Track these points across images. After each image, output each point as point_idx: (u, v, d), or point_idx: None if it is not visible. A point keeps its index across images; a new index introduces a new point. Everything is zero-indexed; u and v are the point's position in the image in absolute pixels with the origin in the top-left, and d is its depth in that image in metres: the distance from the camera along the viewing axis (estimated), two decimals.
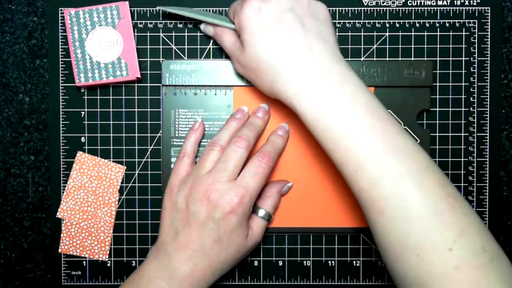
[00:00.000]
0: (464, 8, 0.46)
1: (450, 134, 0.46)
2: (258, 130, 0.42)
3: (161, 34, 0.46)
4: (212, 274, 0.39)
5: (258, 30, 0.37)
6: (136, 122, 0.46)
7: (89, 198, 0.46)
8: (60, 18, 0.46)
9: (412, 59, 0.46)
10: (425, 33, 0.46)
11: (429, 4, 0.46)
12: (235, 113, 0.43)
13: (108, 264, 0.46)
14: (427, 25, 0.46)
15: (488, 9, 0.46)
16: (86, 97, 0.46)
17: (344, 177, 0.36)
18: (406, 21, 0.46)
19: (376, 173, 0.33)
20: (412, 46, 0.46)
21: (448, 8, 0.46)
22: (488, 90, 0.46)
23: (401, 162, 0.33)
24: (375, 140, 0.34)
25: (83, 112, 0.46)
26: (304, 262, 0.47)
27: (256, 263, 0.47)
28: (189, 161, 0.42)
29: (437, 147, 0.46)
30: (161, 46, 0.46)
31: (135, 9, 0.46)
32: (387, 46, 0.46)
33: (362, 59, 0.46)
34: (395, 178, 0.33)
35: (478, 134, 0.46)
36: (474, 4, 0.46)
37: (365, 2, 0.46)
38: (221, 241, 0.38)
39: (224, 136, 0.41)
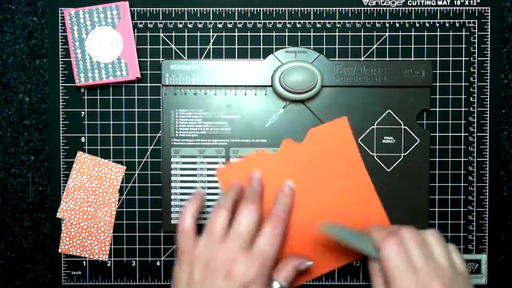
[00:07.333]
0: (464, 8, 0.46)
1: (450, 134, 0.46)
2: (260, 194, 0.42)
3: (161, 34, 0.46)
4: None
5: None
6: (136, 122, 0.46)
7: (89, 198, 0.46)
8: (60, 18, 0.46)
9: (412, 59, 0.46)
10: (425, 33, 0.46)
11: (429, 4, 0.46)
12: (232, 185, 0.43)
13: (108, 264, 0.46)
14: (427, 25, 0.46)
15: (488, 9, 0.46)
16: (86, 97, 0.46)
17: None
18: (406, 21, 0.46)
19: None
20: (412, 46, 0.46)
21: (448, 8, 0.46)
22: (488, 90, 0.46)
23: None
24: None
25: (83, 112, 0.46)
26: None
27: None
28: (190, 234, 0.40)
29: (437, 147, 0.46)
30: (161, 46, 0.46)
31: (135, 9, 0.46)
32: (387, 46, 0.46)
33: (362, 59, 0.46)
34: None
35: (478, 134, 0.46)
36: (474, 4, 0.46)
37: (365, 2, 0.46)
38: None
39: (228, 200, 0.41)
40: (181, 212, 0.41)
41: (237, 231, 0.38)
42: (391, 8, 0.46)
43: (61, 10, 0.46)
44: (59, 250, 0.46)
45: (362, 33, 0.46)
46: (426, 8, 0.46)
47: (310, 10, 0.46)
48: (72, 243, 0.46)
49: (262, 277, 0.37)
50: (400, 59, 0.46)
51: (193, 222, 0.41)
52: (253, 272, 0.37)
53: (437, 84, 0.46)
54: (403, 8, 0.46)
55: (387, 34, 0.46)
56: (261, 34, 0.46)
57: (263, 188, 0.44)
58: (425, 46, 0.46)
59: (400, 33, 0.46)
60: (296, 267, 0.42)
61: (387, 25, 0.46)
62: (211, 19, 0.46)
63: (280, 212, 0.41)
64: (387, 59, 0.46)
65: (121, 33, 0.45)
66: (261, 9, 0.46)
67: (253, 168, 0.45)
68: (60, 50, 0.46)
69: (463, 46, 0.46)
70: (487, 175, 0.46)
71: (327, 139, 0.45)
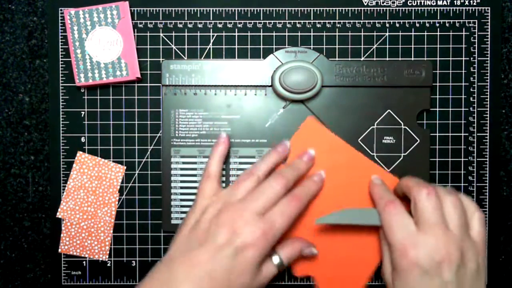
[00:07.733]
0: (464, 8, 0.46)
1: (450, 134, 0.46)
2: (299, 173, 0.42)
3: (161, 34, 0.46)
4: None
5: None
6: (136, 122, 0.46)
7: (89, 198, 0.46)
8: (60, 18, 0.46)
9: (412, 59, 0.46)
10: (425, 33, 0.46)
11: (429, 4, 0.46)
12: (277, 147, 0.43)
13: (108, 264, 0.46)
14: (427, 25, 0.46)
15: (488, 9, 0.46)
16: (86, 97, 0.46)
17: None
18: (406, 21, 0.46)
19: None
20: (412, 46, 0.46)
21: (448, 8, 0.46)
22: (488, 90, 0.46)
23: None
24: None
25: (83, 112, 0.46)
26: None
27: None
28: (215, 181, 0.41)
29: (437, 147, 0.46)
30: (161, 46, 0.46)
31: (135, 9, 0.46)
32: (387, 46, 0.46)
33: (362, 59, 0.46)
34: None
35: (478, 134, 0.46)
36: (474, 4, 0.46)
37: (365, 2, 0.46)
38: (232, 271, 0.36)
39: (262, 167, 0.41)
40: (209, 156, 0.43)
41: (257, 195, 0.38)
42: (391, 8, 0.46)
43: (61, 10, 0.46)
44: (59, 250, 0.46)
45: (362, 33, 0.46)
46: (426, 8, 0.46)
47: (310, 10, 0.46)
48: (72, 243, 0.46)
49: (265, 244, 0.37)
50: (400, 59, 0.46)
51: (219, 168, 0.42)
52: (255, 236, 0.36)
53: (437, 84, 0.46)
54: (403, 8, 0.46)
55: (387, 34, 0.46)
56: (261, 34, 0.46)
57: (309, 169, 0.43)
58: (425, 46, 0.46)
59: (400, 33, 0.46)
60: (301, 248, 0.42)
61: (387, 25, 0.46)
62: (211, 19, 0.46)
63: (301, 192, 0.40)
64: (387, 59, 0.46)
65: (121, 33, 0.45)
66: (261, 9, 0.46)
67: None
68: (60, 50, 0.46)
69: (463, 46, 0.46)
70: (487, 175, 0.46)
71: (306, 143, 0.44)
